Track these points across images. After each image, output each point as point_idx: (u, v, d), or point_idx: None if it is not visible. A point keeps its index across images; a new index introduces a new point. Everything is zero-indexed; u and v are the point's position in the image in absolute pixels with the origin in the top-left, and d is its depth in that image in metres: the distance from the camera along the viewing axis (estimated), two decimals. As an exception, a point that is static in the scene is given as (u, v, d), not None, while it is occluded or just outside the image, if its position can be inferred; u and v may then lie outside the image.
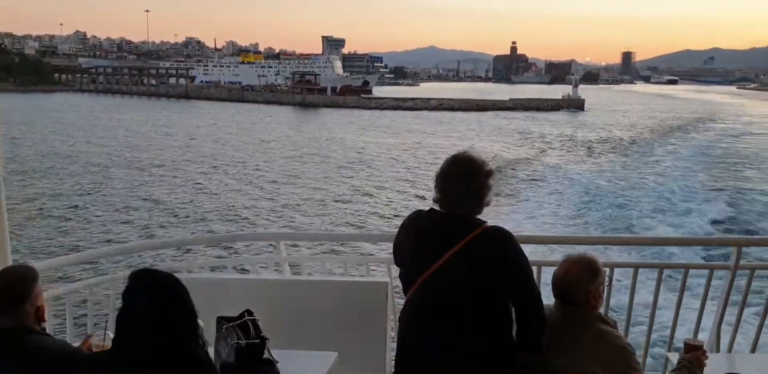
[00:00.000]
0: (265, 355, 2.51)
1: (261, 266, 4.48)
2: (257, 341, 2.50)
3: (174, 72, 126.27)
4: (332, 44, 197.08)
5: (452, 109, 79.73)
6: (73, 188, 26.57)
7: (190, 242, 8.78)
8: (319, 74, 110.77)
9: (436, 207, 2.68)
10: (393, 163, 35.42)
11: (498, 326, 2.58)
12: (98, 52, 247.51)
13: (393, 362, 3.25)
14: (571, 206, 23.34)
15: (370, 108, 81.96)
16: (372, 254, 11.77)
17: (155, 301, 2.03)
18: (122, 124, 56.07)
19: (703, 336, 3.99)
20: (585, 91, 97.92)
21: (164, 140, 45.86)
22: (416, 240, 2.65)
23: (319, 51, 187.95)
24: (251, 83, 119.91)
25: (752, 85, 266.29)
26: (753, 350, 4.14)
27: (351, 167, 33.76)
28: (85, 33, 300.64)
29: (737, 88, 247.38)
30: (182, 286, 2.11)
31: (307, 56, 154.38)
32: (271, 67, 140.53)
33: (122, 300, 2.08)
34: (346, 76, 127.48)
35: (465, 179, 2.58)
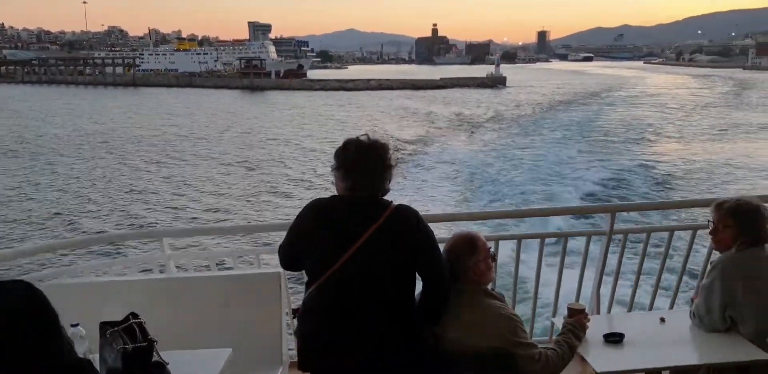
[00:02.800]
0: (154, 358, 2.41)
1: (145, 266, 4.28)
2: (144, 344, 2.40)
3: (121, 61, 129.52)
4: (259, 30, 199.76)
5: (391, 88, 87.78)
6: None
7: (66, 245, 7.96)
8: (264, 59, 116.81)
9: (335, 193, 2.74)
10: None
11: (411, 301, 2.71)
12: (19, 44, 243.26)
13: (290, 352, 3.52)
14: (460, 183, 23.35)
15: (315, 89, 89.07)
16: (264, 245, 10.82)
17: (11, 317, 1.78)
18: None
19: (586, 300, 4.19)
20: (505, 70, 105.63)
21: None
22: (328, 227, 2.64)
23: (244, 36, 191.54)
24: (188, 70, 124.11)
25: (658, 60, 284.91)
26: (630, 309, 4.47)
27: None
28: (2, 24, 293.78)
29: (644, 62, 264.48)
30: (34, 289, 1.88)
31: (241, 42, 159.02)
32: (207, 53, 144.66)
33: None
34: (281, 61, 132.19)
35: (372, 162, 2.64)
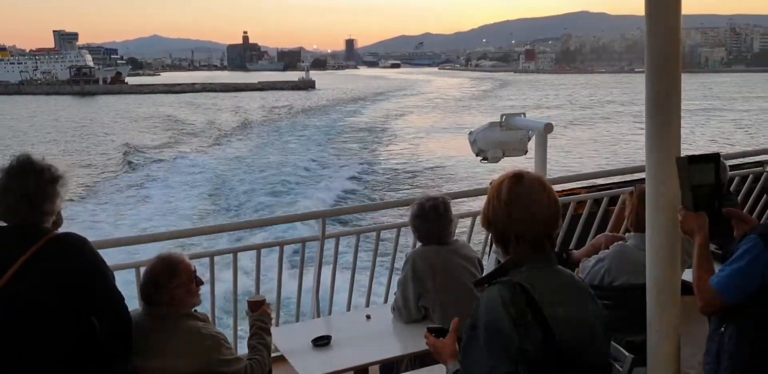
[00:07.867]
0: None
1: None
2: None
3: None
4: (65, 38, 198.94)
5: (215, 90, 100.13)
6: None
7: None
8: (94, 67, 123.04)
9: None
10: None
11: (89, 344, 2.36)
12: None
13: None
14: (197, 197, 22.09)
15: (145, 93, 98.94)
16: None
17: None
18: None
19: (308, 306, 4.39)
20: (315, 75, 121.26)
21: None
22: None
23: (49, 45, 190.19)
24: (1, 79, 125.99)
25: (450, 66, 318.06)
26: (348, 309, 4.55)
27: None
28: None
29: (439, 68, 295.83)
30: None
31: (55, 51, 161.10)
32: (22, 63, 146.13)
33: None
34: (98, 69, 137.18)
35: (18, 185, 2.27)
